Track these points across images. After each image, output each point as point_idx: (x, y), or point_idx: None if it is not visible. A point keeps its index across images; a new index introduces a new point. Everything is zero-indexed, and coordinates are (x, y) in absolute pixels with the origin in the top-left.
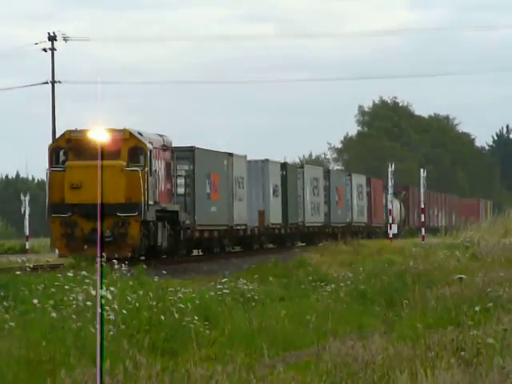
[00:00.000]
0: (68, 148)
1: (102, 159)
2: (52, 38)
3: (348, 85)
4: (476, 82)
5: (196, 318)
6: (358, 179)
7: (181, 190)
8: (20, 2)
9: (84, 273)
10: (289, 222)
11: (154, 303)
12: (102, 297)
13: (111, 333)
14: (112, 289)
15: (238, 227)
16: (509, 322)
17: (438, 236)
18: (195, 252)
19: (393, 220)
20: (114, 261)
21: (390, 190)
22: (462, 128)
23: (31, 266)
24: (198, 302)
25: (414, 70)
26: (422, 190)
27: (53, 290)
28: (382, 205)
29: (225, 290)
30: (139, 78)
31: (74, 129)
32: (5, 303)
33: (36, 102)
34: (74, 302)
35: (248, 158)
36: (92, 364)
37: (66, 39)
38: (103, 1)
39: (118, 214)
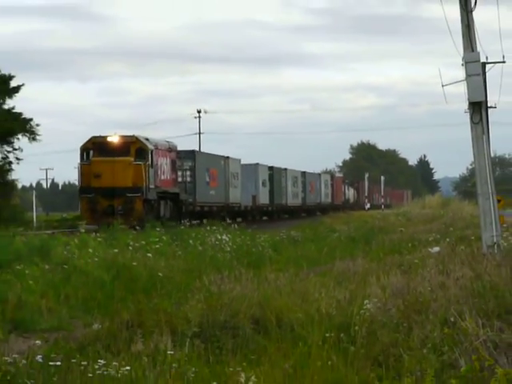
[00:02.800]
0: (92, 148)
1: (116, 156)
2: (199, 112)
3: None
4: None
5: (270, 249)
6: (325, 176)
7: (186, 179)
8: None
9: (214, 227)
10: (275, 203)
11: (249, 242)
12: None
13: (228, 257)
14: (228, 236)
15: (234, 205)
16: (425, 252)
17: (383, 210)
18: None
19: (349, 200)
20: (229, 220)
21: (350, 183)
22: (402, 154)
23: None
24: (270, 242)
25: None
26: (382, 185)
27: (199, 235)
28: (342, 191)
29: (284, 236)
30: None
31: (97, 135)
32: (176, 243)
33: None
34: (210, 241)
35: (256, 164)
36: (218, 272)
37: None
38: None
39: (127, 195)
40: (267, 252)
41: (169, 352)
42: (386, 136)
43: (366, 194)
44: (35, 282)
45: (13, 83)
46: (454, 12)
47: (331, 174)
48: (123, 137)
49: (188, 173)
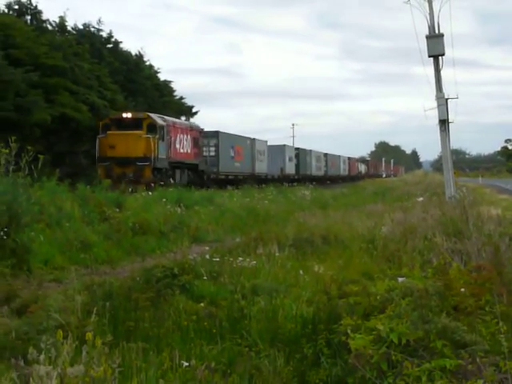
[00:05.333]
0: (110, 124)
1: (129, 130)
2: (293, 124)
3: None
4: None
5: (331, 199)
6: (344, 158)
7: (210, 154)
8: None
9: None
10: (300, 173)
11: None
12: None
13: (308, 203)
14: (307, 192)
15: (260, 174)
16: (414, 200)
17: (390, 178)
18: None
19: (361, 172)
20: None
21: (362, 161)
22: (402, 147)
23: None
24: (331, 194)
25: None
26: (391, 164)
27: (293, 191)
28: (356, 167)
29: (337, 192)
30: None
31: (115, 112)
32: (280, 195)
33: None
34: (299, 194)
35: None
36: (303, 211)
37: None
38: None
39: (137, 163)
40: (329, 200)
41: (276, 254)
42: (394, 137)
43: (383, 169)
44: (205, 216)
45: (194, 109)
46: (431, 70)
47: (357, 158)
48: (136, 113)
49: (213, 148)
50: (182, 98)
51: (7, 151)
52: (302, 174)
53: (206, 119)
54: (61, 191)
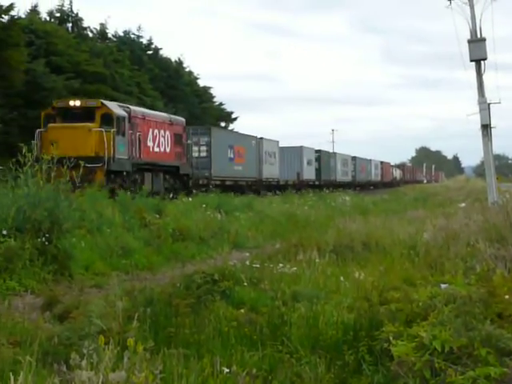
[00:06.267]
0: (55, 114)
1: (77, 122)
2: (333, 130)
3: None
4: None
5: (371, 204)
6: (376, 162)
7: (203, 154)
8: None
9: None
10: (322, 178)
11: (359, 201)
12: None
13: (348, 208)
14: (347, 197)
15: (270, 180)
16: (456, 206)
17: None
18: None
19: (396, 178)
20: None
21: (397, 166)
22: (443, 153)
23: None
24: (371, 200)
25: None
26: (432, 170)
27: (332, 197)
28: (390, 172)
29: (378, 197)
30: None
31: (61, 100)
32: (319, 201)
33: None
34: (339, 200)
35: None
36: (343, 217)
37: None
38: None
39: (86, 165)
40: (369, 206)
41: (316, 260)
42: (435, 142)
43: (424, 174)
44: (245, 222)
45: (233, 115)
46: (473, 75)
47: (390, 162)
48: (87, 101)
49: (204, 148)
50: (221, 103)
51: (48, 158)
52: (325, 180)
53: (246, 125)
54: (101, 197)
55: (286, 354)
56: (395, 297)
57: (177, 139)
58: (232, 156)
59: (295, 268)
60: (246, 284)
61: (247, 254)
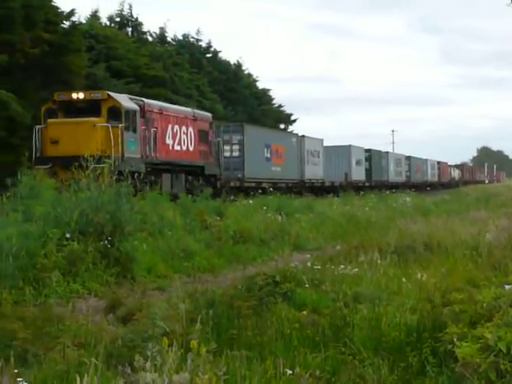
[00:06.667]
0: (57, 109)
1: (81, 117)
2: (393, 130)
3: None
4: None
5: (432, 205)
6: (432, 162)
7: (235, 154)
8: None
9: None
10: (373, 179)
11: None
12: (406, 200)
13: (409, 209)
14: (408, 198)
15: (313, 181)
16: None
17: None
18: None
19: (454, 178)
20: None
21: (456, 166)
22: (505, 152)
23: None
24: (432, 201)
25: (495, 136)
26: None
27: (392, 198)
28: (448, 172)
29: (438, 198)
30: None
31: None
32: (380, 203)
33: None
34: (400, 201)
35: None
36: (404, 218)
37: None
38: None
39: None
40: (431, 206)
41: (378, 261)
42: (497, 142)
43: (486, 174)
44: (305, 223)
45: (292, 117)
46: None
47: (448, 162)
48: (91, 93)
49: (237, 147)
50: (280, 106)
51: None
52: (376, 181)
53: (304, 126)
54: (163, 200)
55: (349, 355)
56: (458, 298)
57: (202, 136)
58: (269, 155)
59: (356, 269)
60: (307, 286)
61: (308, 256)
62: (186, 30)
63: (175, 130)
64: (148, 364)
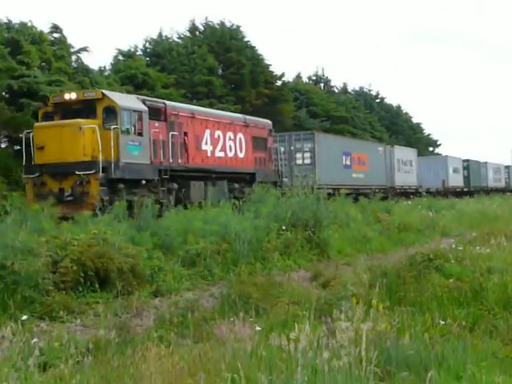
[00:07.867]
0: (53, 112)
1: (74, 119)
2: None
3: None
4: None
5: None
6: None
7: (307, 161)
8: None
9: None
10: (471, 185)
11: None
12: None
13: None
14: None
15: (406, 187)
16: None
17: None
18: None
19: None
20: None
21: None
22: None
23: None
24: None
25: None
26: None
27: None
28: None
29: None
30: None
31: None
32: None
33: None
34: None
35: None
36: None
37: None
38: None
39: (76, 173)
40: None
41: (504, 244)
42: None
43: None
44: (449, 217)
45: (438, 142)
46: None
47: None
48: (84, 92)
49: (308, 155)
50: (429, 134)
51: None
52: (474, 186)
53: (452, 149)
54: (348, 202)
55: (485, 311)
56: None
57: (256, 143)
58: (348, 163)
59: (488, 250)
60: (452, 261)
61: (452, 240)
62: (362, 83)
63: (216, 136)
64: (342, 316)
